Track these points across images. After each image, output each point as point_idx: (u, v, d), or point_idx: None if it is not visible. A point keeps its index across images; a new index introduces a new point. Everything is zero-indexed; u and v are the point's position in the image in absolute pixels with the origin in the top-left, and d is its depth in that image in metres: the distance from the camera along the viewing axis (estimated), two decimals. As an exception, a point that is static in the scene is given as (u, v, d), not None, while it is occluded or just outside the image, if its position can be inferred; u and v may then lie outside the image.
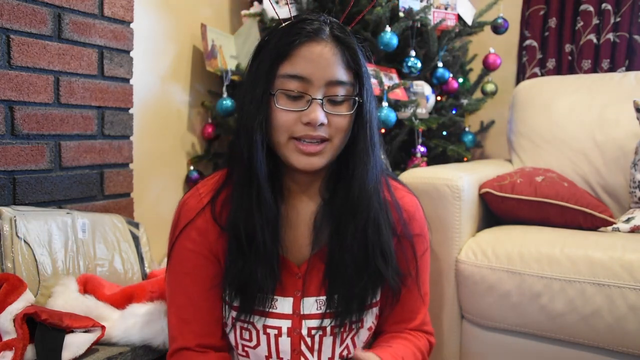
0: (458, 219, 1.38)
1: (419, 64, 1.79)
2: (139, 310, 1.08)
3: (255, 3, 2.06)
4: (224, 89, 1.87)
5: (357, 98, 0.85)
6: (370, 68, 0.92)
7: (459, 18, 1.97)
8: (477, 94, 2.18)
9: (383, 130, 1.75)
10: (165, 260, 0.99)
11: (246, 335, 0.91)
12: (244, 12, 2.08)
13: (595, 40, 2.09)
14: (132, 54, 1.58)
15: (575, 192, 1.50)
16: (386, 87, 1.69)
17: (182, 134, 2.00)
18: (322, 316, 0.90)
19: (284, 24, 0.85)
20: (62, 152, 1.38)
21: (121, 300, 1.12)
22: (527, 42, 2.26)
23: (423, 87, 1.84)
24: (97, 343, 1.01)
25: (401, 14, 1.81)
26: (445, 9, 1.93)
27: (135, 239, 1.41)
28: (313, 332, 0.90)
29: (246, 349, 0.92)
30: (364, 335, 0.94)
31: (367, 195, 0.86)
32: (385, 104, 1.67)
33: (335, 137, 0.84)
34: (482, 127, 2.31)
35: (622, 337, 1.15)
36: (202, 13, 2.05)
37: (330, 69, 0.82)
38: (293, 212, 0.92)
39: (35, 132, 1.31)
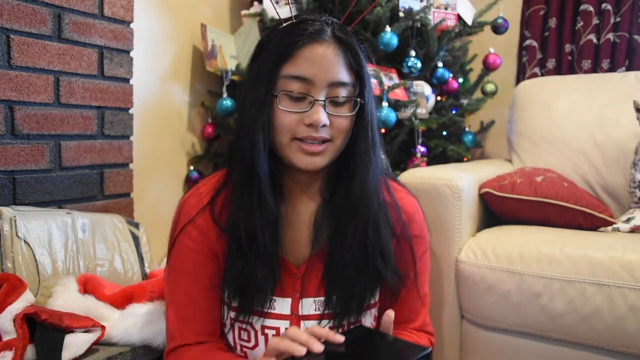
0: (458, 219, 1.38)
1: (419, 64, 1.79)
2: (139, 310, 1.08)
3: (255, 3, 2.06)
4: (224, 89, 1.87)
5: (359, 99, 0.85)
6: (370, 68, 0.92)
7: (459, 18, 1.97)
8: (477, 94, 2.18)
9: (383, 130, 1.75)
10: (165, 259, 0.99)
11: (244, 336, 0.91)
12: (244, 12, 2.08)
13: (595, 40, 2.09)
14: (132, 54, 1.58)
15: (575, 192, 1.50)
16: (386, 87, 1.69)
17: (182, 134, 2.00)
18: (320, 317, 0.90)
19: (284, 24, 0.85)
20: (62, 152, 1.38)
21: (121, 300, 1.12)
22: (527, 42, 2.26)
23: (423, 87, 1.84)
24: (97, 343, 1.00)
25: (401, 14, 1.81)
26: (445, 9, 1.93)
27: (135, 239, 1.41)
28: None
29: (244, 349, 0.91)
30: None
31: (368, 195, 0.86)
32: (385, 104, 1.67)
33: (337, 138, 0.84)
34: (482, 127, 2.32)
35: (622, 337, 1.15)
36: (202, 13, 2.05)
37: (333, 70, 0.81)
38: (293, 212, 0.92)
39: (35, 132, 1.31)
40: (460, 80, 2.11)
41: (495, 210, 1.56)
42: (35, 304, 1.00)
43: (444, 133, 2.03)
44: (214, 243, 0.89)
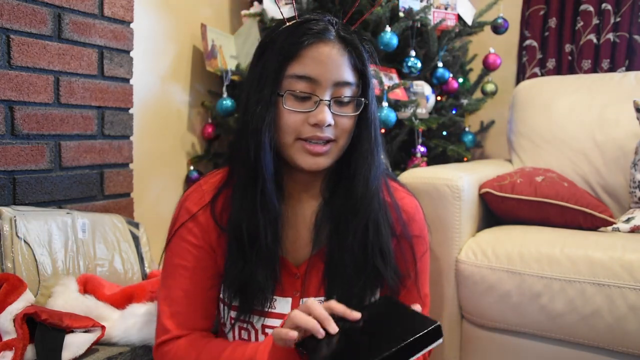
0: (458, 219, 1.38)
1: (419, 64, 1.79)
2: (139, 310, 1.08)
3: (255, 3, 2.06)
4: (224, 89, 1.87)
5: (363, 99, 0.85)
6: (370, 68, 0.92)
7: (459, 18, 1.97)
8: (477, 94, 2.18)
9: (383, 130, 1.75)
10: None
11: (245, 336, 0.90)
12: (244, 12, 2.08)
13: (595, 40, 2.09)
14: (132, 54, 1.58)
15: (575, 192, 1.50)
16: (386, 87, 1.69)
17: (182, 134, 2.00)
18: None
19: (287, 24, 0.85)
20: (62, 152, 1.38)
21: (121, 300, 1.12)
22: (527, 42, 2.26)
23: (423, 87, 1.84)
24: (97, 343, 1.00)
25: (401, 14, 1.81)
26: (445, 9, 1.93)
27: (135, 239, 1.41)
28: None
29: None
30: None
31: (369, 195, 0.86)
32: (385, 104, 1.67)
33: (340, 137, 0.84)
34: (482, 127, 2.32)
35: (622, 337, 1.15)
36: (202, 13, 2.06)
37: (338, 70, 0.82)
38: (293, 212, 0.92)
39: (35, 132, 1.31)
40: (460, 80, 2.11)
41: (495, 210, 1.56)
42: (35, 304, 1.00)
43: (444, 133, 2.03)
44: (214, 241, 0.89)
